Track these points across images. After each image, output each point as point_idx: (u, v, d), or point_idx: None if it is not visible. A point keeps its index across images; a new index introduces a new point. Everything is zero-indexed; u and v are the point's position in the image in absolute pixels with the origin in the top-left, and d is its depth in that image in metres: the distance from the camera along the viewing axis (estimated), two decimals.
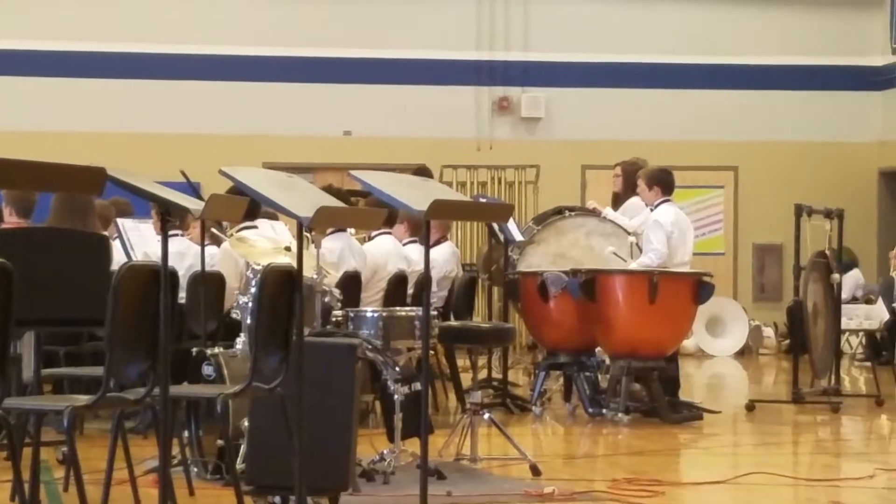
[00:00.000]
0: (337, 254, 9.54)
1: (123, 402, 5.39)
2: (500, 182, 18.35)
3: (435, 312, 9.06)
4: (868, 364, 15.54)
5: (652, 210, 10.46)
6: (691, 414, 10.29)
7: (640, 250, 10.47)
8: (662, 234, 10.24)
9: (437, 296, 10.89)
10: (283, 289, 5.58)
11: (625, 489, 7.04)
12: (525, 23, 19.01)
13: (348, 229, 9.70)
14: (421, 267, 6.30)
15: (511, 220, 10.64)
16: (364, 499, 6.54)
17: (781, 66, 19.25)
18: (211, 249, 9.19)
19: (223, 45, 18.22)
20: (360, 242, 10.13)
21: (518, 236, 11.08)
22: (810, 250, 11.62)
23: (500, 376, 11.20)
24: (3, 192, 8.68)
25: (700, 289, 10.14)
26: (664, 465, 8.39)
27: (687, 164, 17.07)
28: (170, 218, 4.83)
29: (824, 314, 11.69)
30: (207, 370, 7.05)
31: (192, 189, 9.66)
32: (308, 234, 5.10)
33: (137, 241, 9.36)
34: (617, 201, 11.35)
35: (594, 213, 11.19)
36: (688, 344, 16.48)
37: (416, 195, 5.42)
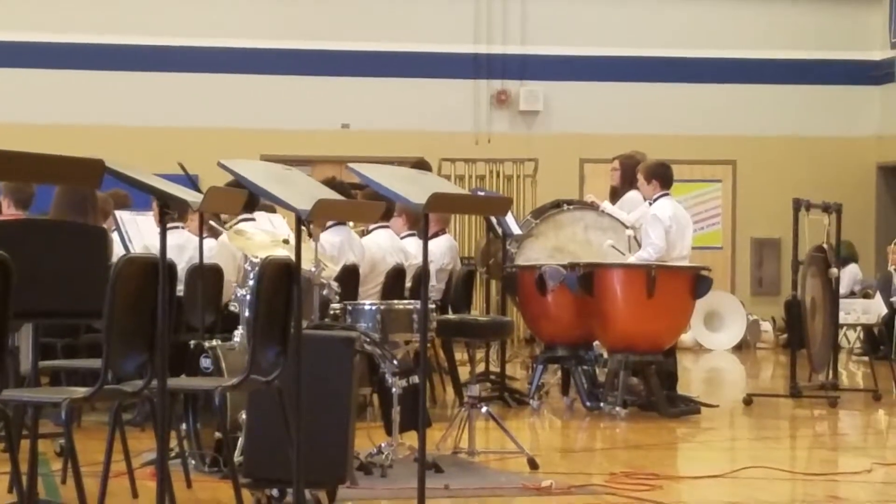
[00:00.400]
0: (337, 247, 9.54)
1: (121, 394, 5.39)
2: (498, 175, 18.35)
3: (433, 306, 9.05)
4: (866, 359, 15.52)
5: (650, 204, 10.46)
6: (689, 408, 10.29)
7: (639, 244, 10.47)
8: (661, 228, 10.24)
9: (435, 289, 10.89)
10: (281, 282, 5.58)
11: (622, 483, 7.04)
12: (523, 16, 19.01)
13: (348, 223, 9.71)
14: (419, 260, 6.31)
15: (509, 213, 10.64)
16: (361, 492, 6.54)
17: (780, 61, 19.25)
18: (209, 242, 9.18)
19: (221, 38, 18.22)
20: (358, 236, 10.13)
21: (516, 230, 11.08)
22: (808, 245, 11.62)
23: (497, 370, 11.21)
24: (1, 184, 8.67)
25: (698, 283, 10.14)
26: (662, 459, 8.40)
27: (685, 158, 17.07)
28: (168, 210, 4.83)
29: (822, 309, 11.69)
30: (205, 363, 7.04)
31: (191, 181, 9.68)
32: (305, 227, 5.09)
33: (135, 233, 9.36)
34: (615, 195, 11.35)
35: (592, 206, 11.19)
36: (685, 338, 16.50)
37: (414, 188, 5.41)
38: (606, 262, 10.35)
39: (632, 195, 11.01)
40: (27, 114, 17.55)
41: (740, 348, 18.00)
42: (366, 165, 5.61)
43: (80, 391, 5.20)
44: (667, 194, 10.45)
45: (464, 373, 10.67)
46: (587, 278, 10.07)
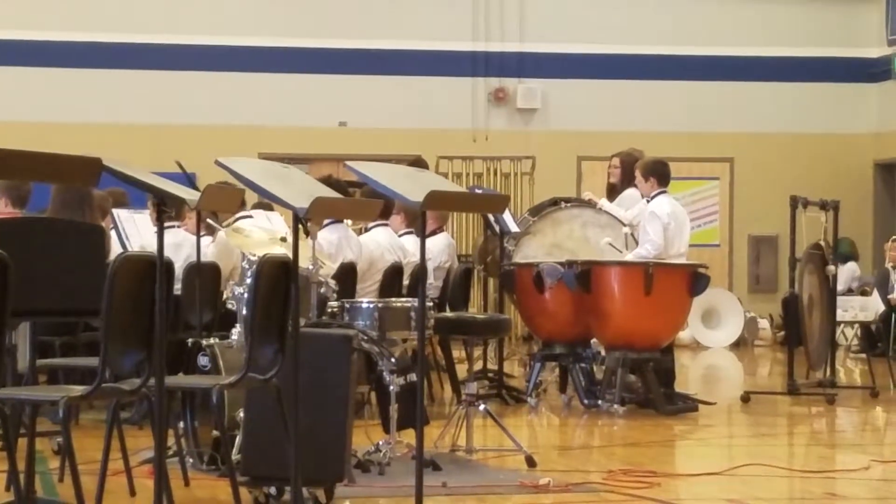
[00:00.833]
0: (334, 245, 9.54)
1: (119, 392, 5.39)
2: (495, 173, 18.34)
3: (430, 303, 9.04)
4: (863, 356, 15.51)
5: (648, 201, 10.47)
6: (686, 405, 10.29)
7: (637, 242, 10.47)
8: (659, 225, 10.25)
9: (433, 287, 10.88)
10: (278, 279, 5.58)
11: (620, 480, 7.04)
12: (521, 13, 18.99)
13: (346, 220, 9.70)
14: (417, 258, 6.30)
15: (507, 211, 10.63)
16: (359, 490, 6.55)
17: (777, 58, 19.24)
18: (206, 240, 9.18)
19: (219, 35, 18.20)
20: (356, 234, 10.12)
21: (514, 227, 11.08)
22: (806, 242, 11.63)
23: (495, 367, 11.20)
24: None
25: (695, 280, 10.15)
26: (659, 457, 8.40)
27: (682, 156, 17.07)
28: (165, 208, 4.82)
29: (820, 306, 11.70)
30: (203, 361, 7.04)
31: (188, 180, 9.67)
32: (303, 225, 5.09)
33: (133, 231, 9.35)
34: (612, 192, 11.35)
35: (590, 204, 11.20)
36: (683, 335, 16.48)
37: (411, 186, 5.41)
38: (604, 260, 10.36)
39: (630, 192, 11.02)
40: (24, 112, 17.52)
41: (738, 346, 18.01)
42: (363, 163, 5.60)
43: (78, 389, 5.20)
44: (664, 191, 10.45)
45: (461, 370, 10.68)
46: (585, 276, 10.07)
